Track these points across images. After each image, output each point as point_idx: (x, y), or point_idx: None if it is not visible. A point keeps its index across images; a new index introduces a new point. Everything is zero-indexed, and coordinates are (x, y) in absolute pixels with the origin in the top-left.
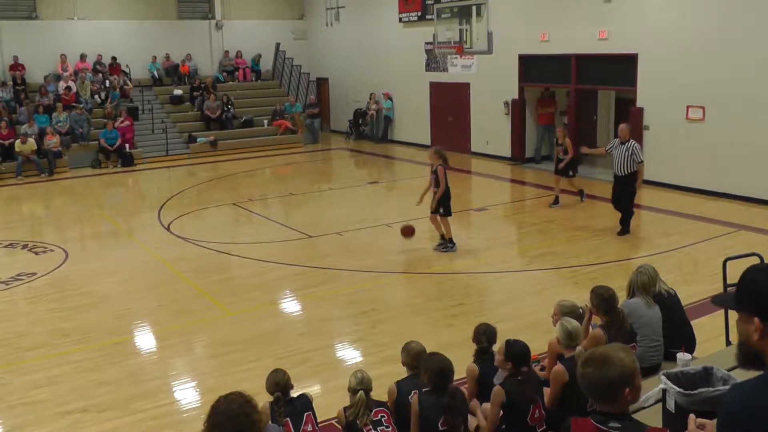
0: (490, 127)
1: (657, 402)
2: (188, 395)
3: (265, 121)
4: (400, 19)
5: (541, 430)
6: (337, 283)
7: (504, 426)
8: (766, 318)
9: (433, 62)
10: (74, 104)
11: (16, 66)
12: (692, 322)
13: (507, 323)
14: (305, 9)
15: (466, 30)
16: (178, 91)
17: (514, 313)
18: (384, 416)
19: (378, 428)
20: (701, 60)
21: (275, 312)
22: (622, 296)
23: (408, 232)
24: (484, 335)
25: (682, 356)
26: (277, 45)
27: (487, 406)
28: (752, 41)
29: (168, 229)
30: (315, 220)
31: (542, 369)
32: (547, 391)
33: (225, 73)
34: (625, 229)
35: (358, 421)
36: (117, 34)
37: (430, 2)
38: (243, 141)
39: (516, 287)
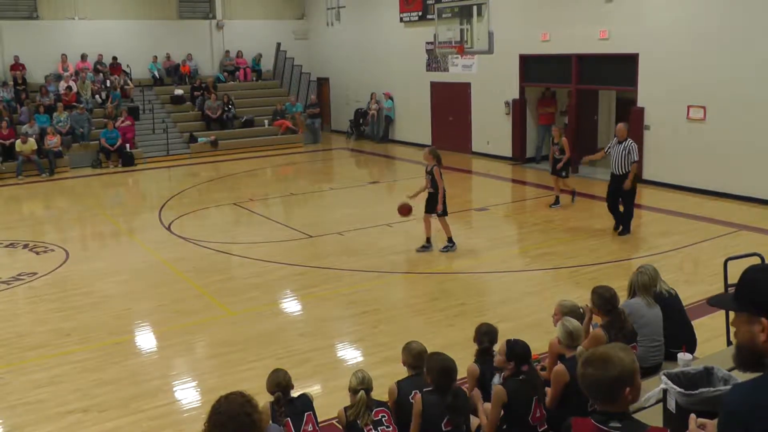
0: (490, 127)
1: (658, 402)
2: (189, 395)
3: (266, 121)
4: (401, 19)
5: (542, 429)
6: (337, 283)
7: (505, 426)
8: None
9: (433, 62)
10: (75, 104)
11: (17, 66)
12: (693, 322)
13: (507, 323)
14: (306, 9)
15: (467, 30)
16: (178, 91)
17: (515, 313)
18: (385, 416)
19: (379, 428)
20: (702, 60)
21: (276, 312)
22: (622, 296)
23: (405, 210)
24: (486, 335)
25: (682, 356)
26: (278, 45)
27: (487, 405)
28: (753, 41)
29: (169, 229)
30: (316, 220)
31: (543, 369)
32: (548, 390)
33: (226, 73)
34: (625, 228)
35: (358, 421)
36: (118, 34)
37: (430, 2)
38: (244, 141)
39: (516, 287)
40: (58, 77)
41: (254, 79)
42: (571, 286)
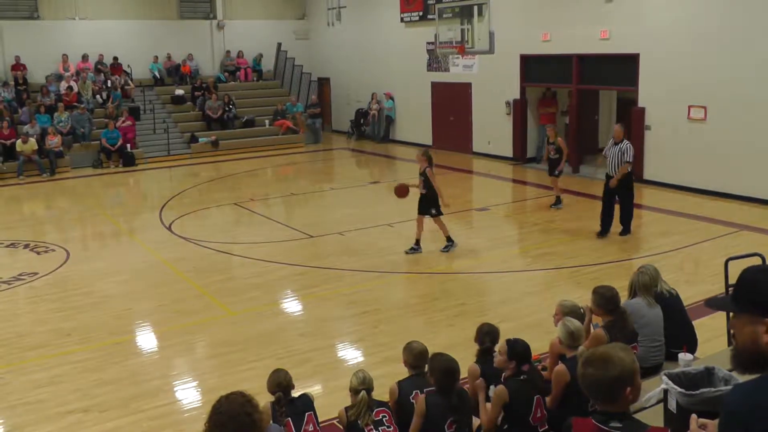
0: (491, 127)
1: (659, 402)
2: (189, 395)
3: (267, 121)
4: (402, 19)
5: (543, 430)
6: (338, 283)
7: (506, 426)
8: None
9: (434, 62)
10: (76, 104)
11: (18, 66)
12: (694, 322)
13: (508, 323)
14: (306, 9)
15: (468, 30)
16: (179, 91)
17: (515, 313)
18: (385, 416)
19: (379, 428)
20: (703, 60)
21: (276, 312)
22: (623, 297)
23: (402, 190)
24: (487, 335)
25: (683, 356)
26: (279, 45)
27: (488, 405)
28: (754, 41)
29: (169, 229)
30: (316, 220)
31: (544, 369)
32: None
33: (226, 73)
34: (626, 229)
35: (359, 421)
36: (118, 34)
37: (431, 2)
38: (244, 141)
39: (517, 287)
40: (59, 77)
41: (255, 79)
42: (571, 286)
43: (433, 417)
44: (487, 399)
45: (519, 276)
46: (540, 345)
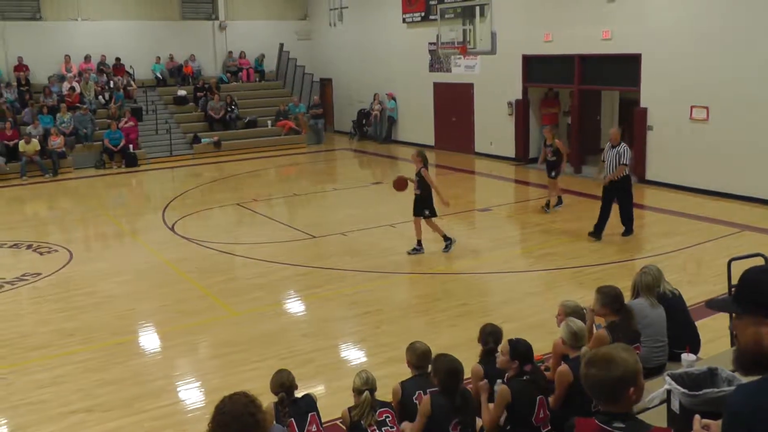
0: (493, 128)
1: (662, 403)
2: (192, 395)
3: (269, 122)
4: (404, 20)
5: (545, 430)
6: (340, 283)
7: (509, 426)
8: None
9: (436, 62)
10: (78, 105)
11: (21, 67)
12: (697, 323)
13: (510, 324)
14: (308, 9)
15: (470, 30)
16: (181, 92)
17: (518, 313)
18: (389, 416)
19: (383, 428)
20: (705, 60)
21: (279, 312)
22: (626, 297)
23: (401, 183)
24: (491, 336)
25: (686, 357)
26: (281, 45)
27: (490, 405)
28: (757, 41)
29: (172, 229)
30: (319, 220)
31: (547, 369)
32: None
33: (229, 74)
34: (628, 230)
35: (362, 422)
36: (121, 35)
37: (433, 2)
38: (247, 141)
39: (519, 288)
40: (62, 78)
41: (257, 79)
42: (574, 286)
43: (437, 418)
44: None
45: (521, 276)
46: (543, 345)
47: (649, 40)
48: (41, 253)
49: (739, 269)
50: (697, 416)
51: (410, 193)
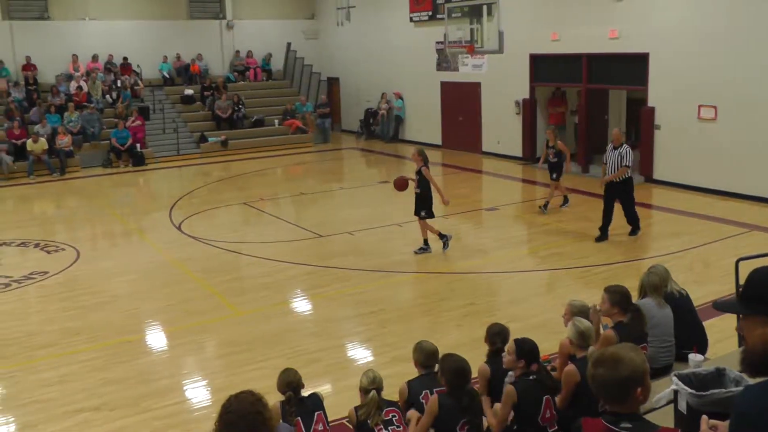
0: (501, 127)
1: (669, 403)
2: (198, 394)
3: (276, 121)
4: (411, 19)
5: (552, 430)
6: (347, 282)
7: (515, 426)
8: None
9: (443, 62)
10: (85, 104)
11: (29, 66)
12: (704, 323)
13: (517, 323)
14: (316, 9)
15: (477, 29)
16: (188, 91)
17: (524, 313)
18: (395, 416)
19: (389, 428)
20: (713, 59)
21: (285, 311)
22: (633, 297)
23: (401, 183)
24: (498, 336)
25: (693, 357)
26: (288, 45)
27: (498, 406)
28: (765, 40)
29: (179, 228)
30: (325, 219)
31: (553, 369)
32: None
33: (236, 73)
34: (634, 230)
35: (369, 421)
36: (128, 35)
37: (440, 2)
38: (254, 141)
39: (526, 287)
40: (69, 77)
41: (264, 78)
42: (580, 286)
43: (445, 418)
44: (497, 399)
45: (528, 276)
46: (549, 345)
47: (657, 39)
48: (48, 252)
49: (747, 269)
50: (704, 417)
51: (413, 192)
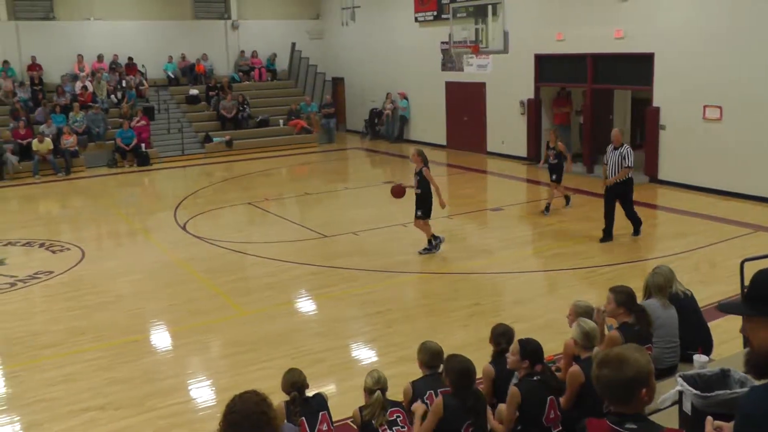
0: (505, 127)
1: (673, 404)
2: (203, 394)
3: (281, 121)
4: (416, 19)
5: (556, 430)
6: (351, 283)
7: (519, 427)
8: None
9: (448, 62)
10: (91, 104)
11: (34, 66)
12: (709, 324)
13: (521, 324)
14: (321, 9)
15: (482, 29)
16: (193, 91)
17: (529, 313)
18: (399, 416)
19: (393, 428)
20: (718, 59)
21: (290, 311)
22: (638, 298)
23: (398, 191)
24: (503, 336)
25: (698, 358)
26: (293, 45)
27: (503, 407)
28: None
29: (183, 228)
30: (330, 219)
31: (558, 370)
32: None
33: (241, 73)
34: (636, 231)
35: (373, 421)
36: (133, 35)
37: (445, 2)
38: (258, 141)
39: (530, 288)
40: (74, 77)
41: (269, 78)
42: (585, 287)
43: (450, 419)
44: (502, 400)
45: (532, 276)
46: (554, 346)
47: (662, 39)
48: (54, 252)
49: (752, 270)
50: (709, 418)
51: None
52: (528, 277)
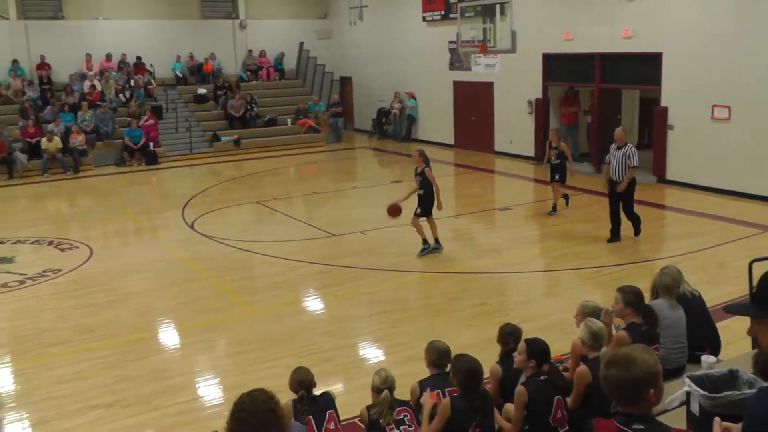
0: (513, 127)
1: (681, 405)
2: (211, 392)
3: (289, 120)
4: (424, 18)
5: (563, 430)
6: (359, 282)
7: (526, 426)
8: None
9: (456, 61)
10: (99, 103)
11: (43, 65)
12: (717, 324)
13: (529, 323)
14: (329, 8)
15: (490, 29)
16: (201, 90)
17: (536, 313)
18: (407, 415)
19: (401, 427)
20: (727, 59)
21: (297, 310)
22: (645, 298)
23: (395, 211)
24: (510, 336)
25: (706, 359)
26: (301, 44)
27: (510, 406)
28: None
29: (191, 227)
30: (338, 218)
31: (565, 370)
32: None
33: (249, 72)
34: (636, 230)
35: (381, 420)
36: (141, 34)
37: (453, 1)
38: (266, 140)
39: (537, 287)
40: (83, 76)
41: (277, 78)
42: (592, 287)
43: (458, 420)
44: (509, 399)
45: (540, 276)
46: (561, 346)
47: (670, 38)
48: (62, 250)
49: (760, 270)
50: (717, 419)
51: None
52: (535, 277)
